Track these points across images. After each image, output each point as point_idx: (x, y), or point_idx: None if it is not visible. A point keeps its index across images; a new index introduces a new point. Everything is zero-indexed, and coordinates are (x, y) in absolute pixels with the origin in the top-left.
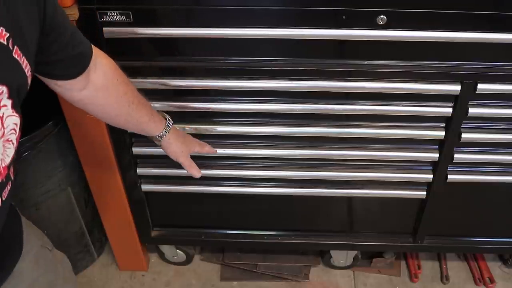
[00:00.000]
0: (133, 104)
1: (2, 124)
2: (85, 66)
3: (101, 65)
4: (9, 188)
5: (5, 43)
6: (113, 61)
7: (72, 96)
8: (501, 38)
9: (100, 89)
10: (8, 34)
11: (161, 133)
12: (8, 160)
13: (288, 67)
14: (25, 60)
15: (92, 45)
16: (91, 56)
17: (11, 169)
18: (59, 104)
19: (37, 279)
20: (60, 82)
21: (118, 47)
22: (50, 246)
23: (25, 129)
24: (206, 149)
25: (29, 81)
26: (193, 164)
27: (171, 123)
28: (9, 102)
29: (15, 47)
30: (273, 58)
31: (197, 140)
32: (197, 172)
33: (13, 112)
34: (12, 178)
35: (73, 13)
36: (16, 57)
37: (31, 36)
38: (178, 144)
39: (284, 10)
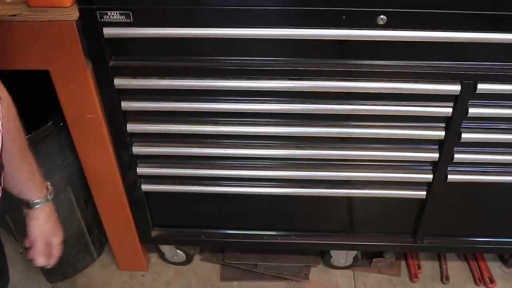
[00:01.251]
0: (23, 151)
1: None
2: None
3: (3, 97)
4: (3, 177)
5: None
6: (10, 99)
7: None
8: (501, 38)
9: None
10: None
11: (37, 200)
12: None
13: (288, 67)
14: None
15: None
16: None
17: (3, 156)
18: (59, 104)
19: (18, 283)
20: None
21: (118, 47)
22: (21, 249)
23: (25, 129)
24: (54, 251)
25: None
26: (41, 253)
27: (51, 197)
28: None
29: None
30: (273, 58)
31: (59, 234)
32: (41, 262)
33: None
34: (4, 165)
35: (73, 13)
36: None
37: None
38: (45, 223)
39: (284, 10)
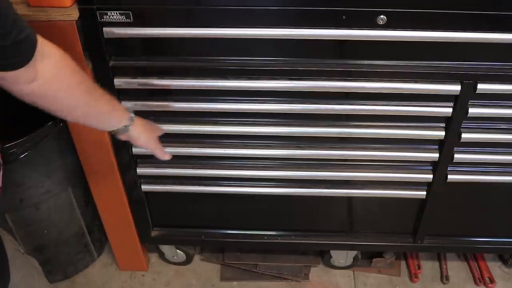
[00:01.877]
0: (90, 95)
1: None
2: (30, 55)
3: (50, 54)
4: (1, 173)
5: None
6: (62, 50)
7: (21, 90)
8: (501, 38)
9: (51, 80)
10: None
11: (126, 124)
12: None
13: (288, 67)
14: None
15: (39, 35)
16: (36, 43)
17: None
18: None
19: (19, 282)
20: (3, 74)
21: (118, 47)
22: (22, 250)
23: (25, 129)
24: (162, 130)
25: None
26: (163, 148)
27: (133, 113)
28: None
29: None
30: (273, 58)
31: (157, 125)
32: (168, 156)
33: None
34: (2, 162)
35: (73, 13)
36: None
37: None
38: (146, 132)
39: (284, 10)
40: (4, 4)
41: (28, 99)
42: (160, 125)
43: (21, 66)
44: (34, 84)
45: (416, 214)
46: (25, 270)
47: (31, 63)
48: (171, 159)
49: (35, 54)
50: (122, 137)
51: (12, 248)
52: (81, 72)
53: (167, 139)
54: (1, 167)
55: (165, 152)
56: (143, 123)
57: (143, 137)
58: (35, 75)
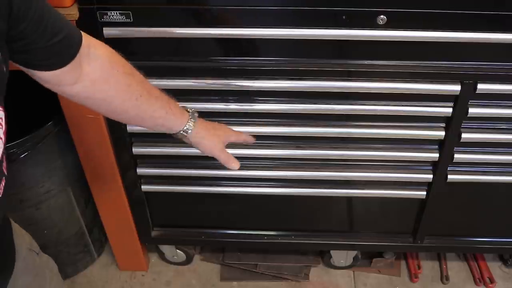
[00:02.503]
0: (141, 97)
1: None
2: (72, 55)
3: (96, 55)
4: (3, 184)
5: None
6: (112, 50)
7: (64, 92)
8: (501, 38)
9: (97, 82)
10: None
11: (185, 127)
12: None
13: (288, 67)
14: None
15: (86, 34)
16: (80, 45)
17: (4, 165)
18: (59, 104)
19: (29, 285)
20: (44, 74)
21: (118, 47)
22: (37, 250)
23: (25, 129)
24: (243, 138)
25: (6, 73)
26: (231, 156)
27: (196, 115)
28: None
29: None
30: (273, 58)
31: (231, 128)
32: (236, 165)
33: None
34: (6, 173)
35: (73, 13)
36: None
37: (1, 26)
38: (210, 137)
39: (284, 10)
40: (38, 6)
41: (74, 100)
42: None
43: (58, 68)
44: (79, 86)
45: (416, 214)
46: (37, 270)
47: (71, 65)
48: (171, 159)
49: (78, 55)
50: (185, 140)
51: (26, 248)
52: (132, 74)
53: (167, 139)
54: (4, 178)
55: (233, 160)
56: (207, 128)
57: (206, 144)
58: (79, 76)
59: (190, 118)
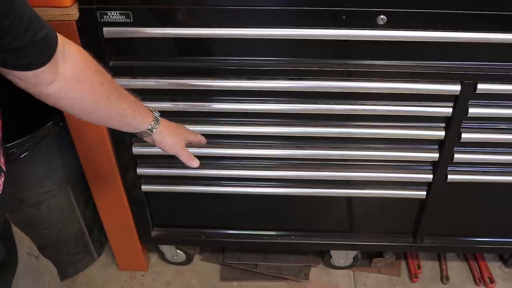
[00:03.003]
0: (112, 97)
1: None
2: (50, 55)
3: (70, 54)
4: (3, 180)
5: None
6: (84, 50)
7: (41, 92)
8: (501, 38)
9: (71, 81)
10: None
11: (150, 126)
12: None
13: (288, 67)
14: None
15: (59, 34)
16: (57, 43)
17: (1, 160)
18: None
19: None
20: (23, 74)
21: (118, 47)
22: (36, 253)
23: (25, 129)
24: (198, 138)
25: None
26: (191, 155)
27: (158, 115)
28: None
29: None
30: (273, 58)
31: (189, 129)
32: (196, 162)
33: None
34: (4, 169)
35: (73, 13)
36: None
37: None
38: (172, 135)
39: (284, 10)
40: (18, 3)
41: (48, 100)
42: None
43: (38, 67)
44: (54, 85)
45: (416, 214)
46: (36, 275)
47: (50, 64)
48: (171, 159)
49: (54, 55)
50: (147, 140)
51: (26, 252)
52: (103, 73)
53: None
54: (3, 174)
55: (193, 158)
56: (169, 126)
57: (168, 141)
58: (55, 76)
59: (155, 117)
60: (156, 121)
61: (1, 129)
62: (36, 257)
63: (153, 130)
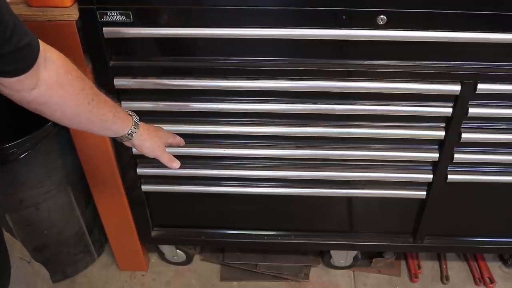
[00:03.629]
0: (93, 101)
1: None
2: (33, 61)
3: (52, 60)
4: None
5: None
6: (64, 56)
7: (23, 98)
8: (501, 38)
9: (53, 87)
10: None
11: (130, 131)
12: None
13: (288, 67)
14: None
15: (40, 40)
16: (39, 49)
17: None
18: None
19: None
20: (6, 81)
21: (118, 47)
22: (28, 258)
23: (25, 129)
24: (177, 140)
25: None
26: (172, 156)
27: (138, 119)
28: None
29: None
30: (273, 58)
31: (168, 131)
32: (177, 164)
33: None
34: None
35: (73, 13)
36: None
37: None
38: (152, 139)
39: (284, 10)
40: (4, 10)
41: (31, 106)
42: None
43: (23, 73)
44: (36, 91)
45: (416, 214)
46: (29, 279)
47: (33, 69)
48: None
49: (37, 61)
50: (127, 144)
51: (18, 257)
52: (83, 78)
53: None
54: None
55: (173, 160)
56: (148, 130)
57: (148, 145)
58: (37, 81)
59: (134, 122)
60: (136, 125)
61: None
62: (28, 262)
63: (133, 134)
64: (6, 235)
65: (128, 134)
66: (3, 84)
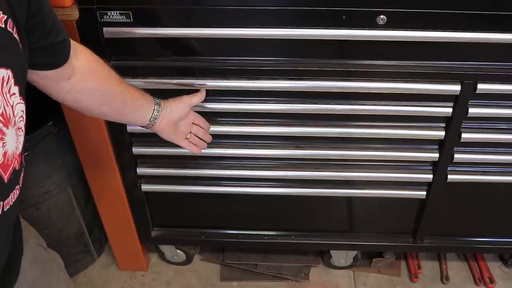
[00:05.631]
0: (122, 83)
1: (13, 113)
2: (68, 53)
3: (80, 51)
4: (22, 174)
5: (3, 25)
6: (87, 48)
7: (62, 87)
8: (501, 38)
9: (87, 73)
10: (5, 17)
11: (154, 114)
12: (20, 147)
13: (288, 67)
14: (22, 43)
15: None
16: (70, 44)
17: (23, 156)
18: (59, 104)
19: (36, 279)
20: (43, 73)
21: (118, 47)
22: (44, 245)
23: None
24: (199, 96)
25: (27, 65)
26: (190, 143)
27: (160, 107)
28: (16, 89)
29: (14, 29)
30: (273, 58)
31: (188, 116)
32: (196, 149)
33: (20, 99)
34: (24, 164)
35: (73, 13)
36: (16, 38)
37: (22, 19)
38: (173, 125)
39: (284, 10)
40: (46, 6)
41: (70, 96)
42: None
43: (59, 66)
44: (74, 79)
45: (416, 214)
46: (45, 265)
47: (69, 60)
48: (171, 159)
49: (71, 52)
50: (153, 127)
51: (34, 242)
52: (106, 65)
53: None
54: (23, 169)
55: (191, 146)
56: (169, 117)
57: (169, 130)
58: (73, 70)
59: (155, 101)
60: (159, 102)
61: (25, 127)
62: (45, 248)
63: (156, 120)
64: (23, 221)
65: (152, 119)
66: (40, 76)
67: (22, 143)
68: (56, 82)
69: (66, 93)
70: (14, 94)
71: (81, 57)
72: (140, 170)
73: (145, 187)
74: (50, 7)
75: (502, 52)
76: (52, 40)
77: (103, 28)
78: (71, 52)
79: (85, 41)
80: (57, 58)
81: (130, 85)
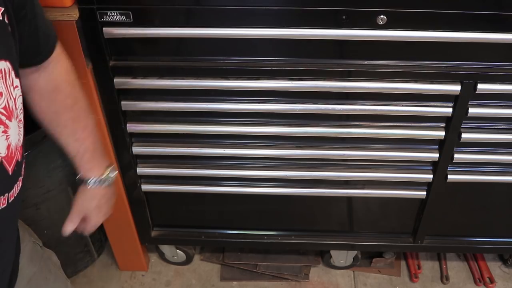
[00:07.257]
0: (84, 99)
1: (15, 105)
2: (53, 50)
3: (62, 49)
4: (24, 166)
5: (1, 18)
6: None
7: (47, 81)
8: (501, 38)
9: (65, 72)
10: (2, 9)
11: (92, 179)
12: (21, 139)
13: (288, 67)
14: (14, 35)
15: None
16: (56, 44)
17: (23, 148)
18: None
19: (33, 276)
20: (30, 70)
21: (118, 47)
22: (40, 243)
23: (25, 129)
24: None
25: (19, 57)
26: (73, 222)
27: (111, 176)
28: (18, 82)
29: (8, 21)
30: (273, 58)
31: (103, 215)
32: (67, 230)
33: (21, 92)
34: (24, 156)
35: (73, 13)
36: (10, 31)
37: (11, 12)
38: (92, 200)
39: (284, 10)
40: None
41: (46, 88)
42: (160, 126)
43: (51, 55)
44: (52, 74)
45: (416, 214)
46: (42, 263)
47: (51, 57)
48: (171, 159)
49: (55, 50)
50: (82, 185)
51: (31, 240)
52: (78, 88)
53: (167, 138)
54: (24, 162)
55: (67, 227)
56: (102, 195)
57: (85, 198)
58: (53, 69)
59: (108, 173)
60: (110, 174)
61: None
62: (41, 247)
63: (90, 186)
64: (18, 219)
65: (87, 180)
66: (29, 72)
67: (22, 134)
68: (42, 72)
69: (44, 85)
70: (17, 86)
71: (61, 54)
72: (140, 170)
73: (145, 187)
74: (38, 6)
75: (502, 52)
76: (48, 28)
77: (103, 28)
78: (57, 50)
79: (85, 41)
80: (48, 48)
81: (92, 131)
